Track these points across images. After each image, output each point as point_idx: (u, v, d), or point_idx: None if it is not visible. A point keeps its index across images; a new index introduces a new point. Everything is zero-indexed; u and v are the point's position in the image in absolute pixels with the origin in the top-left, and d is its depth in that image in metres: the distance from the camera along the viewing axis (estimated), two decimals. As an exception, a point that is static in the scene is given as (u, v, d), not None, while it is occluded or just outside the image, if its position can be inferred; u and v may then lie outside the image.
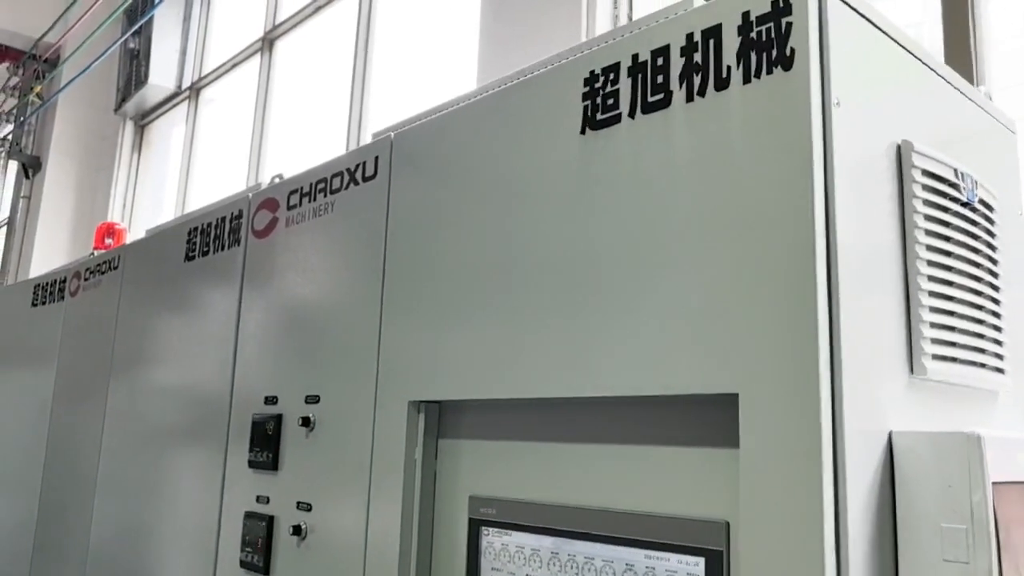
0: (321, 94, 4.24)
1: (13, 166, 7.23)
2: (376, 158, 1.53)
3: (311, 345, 1.60)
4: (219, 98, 4.86)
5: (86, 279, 2.68)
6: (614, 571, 1.07)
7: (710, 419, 1.00)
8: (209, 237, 2.02)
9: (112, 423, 2.32)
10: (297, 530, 1.52)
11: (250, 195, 1.91)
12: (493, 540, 1.23)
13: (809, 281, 0.88)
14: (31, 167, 5.44)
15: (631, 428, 1.10)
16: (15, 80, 5.76)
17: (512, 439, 1.25)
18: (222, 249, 1.96)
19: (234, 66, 4.59)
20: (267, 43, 4.29)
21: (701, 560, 0.98)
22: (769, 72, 0.95)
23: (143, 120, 5.28)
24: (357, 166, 1.57)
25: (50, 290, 2.93)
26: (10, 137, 5.39)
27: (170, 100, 5.02)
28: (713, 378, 0.95)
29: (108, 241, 3.13)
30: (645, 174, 1.07)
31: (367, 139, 1.94)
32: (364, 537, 1.38)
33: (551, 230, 1.18)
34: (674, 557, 1.01)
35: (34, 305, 3.02)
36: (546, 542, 1.16)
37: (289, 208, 1.75)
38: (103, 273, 2.57)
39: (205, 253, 2.03)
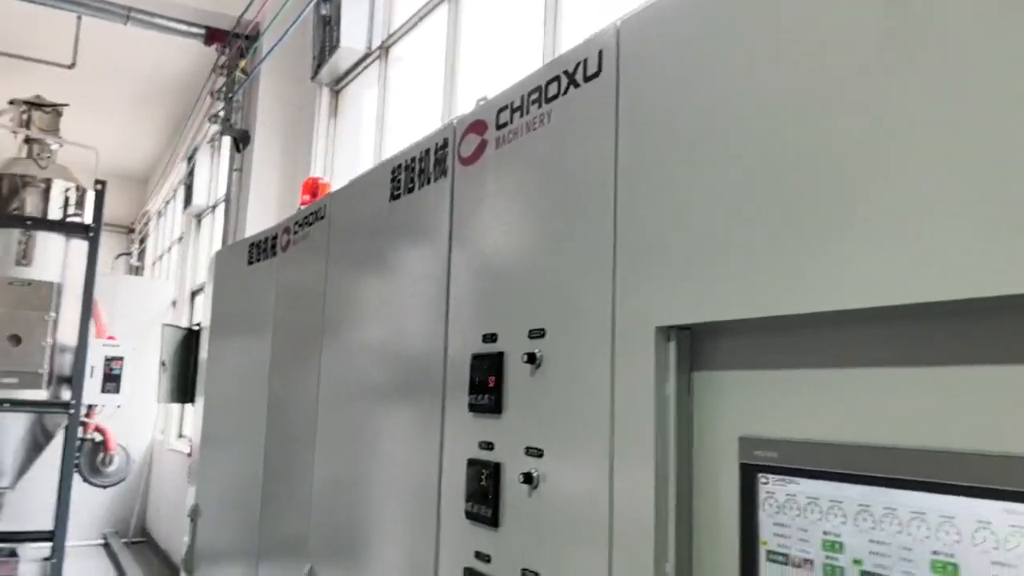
0: (511, 37, 4.09)
1: (227, 142, 7.72)
2: (600, 52, 1.32)
3: (532, 273, 1.43)
4: (408, 55, 4.85)
5: (295, 232, 2.68)
6: (958, 530, 0.82)
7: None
8: (413, 172, 1.90)
9: (327, 369, 2.30)
10: (528, 478, 1.36)
11: (455, 121, 1.77)
12: (774, 490, 1.00)
13: None
14: (241, 141, 5.74)
15: (963, 344, 0.84)
16: (223, 59, 6.10)
17: (793, 367, 1.01)
18: (428, 183, 1.84)
19: (421, 19, 4.54)
20: (452, -7, 4.21)
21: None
22: None
23: (337, 85, 5.40)
24: (577, 65, 1.37)
25: (263, 247, 2.99)
26: (222, 114, 5.71)
27: (361, 62, 5.09)
28: None
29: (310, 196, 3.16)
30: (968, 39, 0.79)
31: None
32: (608, 488, 1.20)
33: (841, 112, 0.92)
34: (1056, 514, 0.74)
35: (250, 263, 3.11)
36: (852, 492, 0.92)
37: (499, 127, 1.58)
38: (310, 224, 2.56)
39: (410, 189, 1.92)
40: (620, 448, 1.19)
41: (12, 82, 8.53)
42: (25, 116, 8.34)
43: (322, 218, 2.46)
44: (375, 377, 2.02)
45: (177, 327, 5.47)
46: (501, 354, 1.49)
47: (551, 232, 1.39)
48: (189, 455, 5.76)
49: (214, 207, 8.86)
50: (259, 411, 2.85)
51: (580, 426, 1.27)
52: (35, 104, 8.37)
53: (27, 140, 8.37)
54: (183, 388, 5.61)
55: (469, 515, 1.52)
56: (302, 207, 2.82)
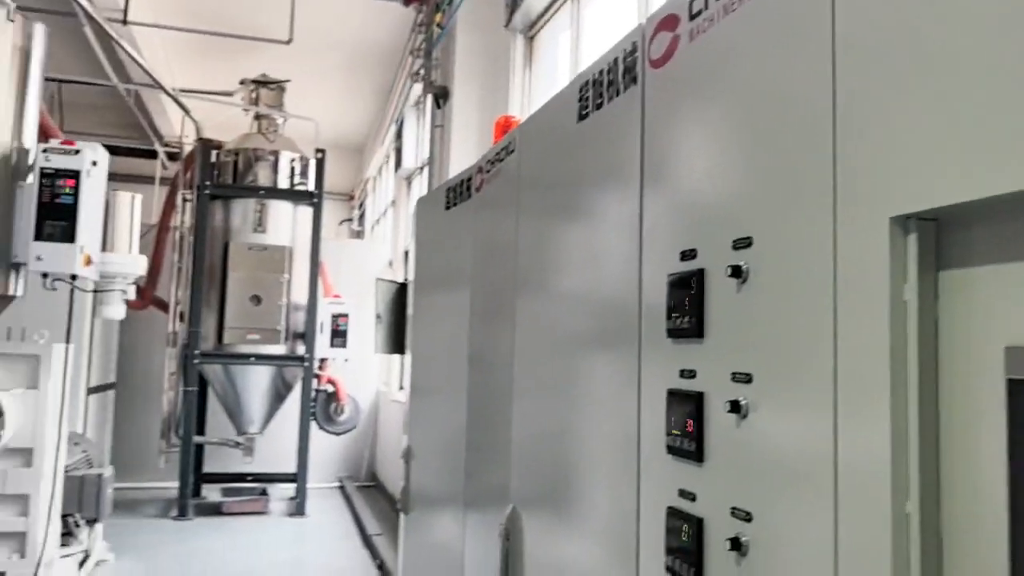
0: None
1: (430, 101, 7.93)
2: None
3: (733, 172, 1.25)
4: (602, -8, 4.67)
5: (487, 171, 2.64)
6: None
7: None
8: (601, 86, 1.76)
9: (522, 311, 2.24)
10: (735, 407, 1.20)
11: (643, 22, 1.60)
12: (1059, 411, 0.78)
13: None
14: (441, 97, 5.85)
15: None
16: (420, 17, 6.24)
17: (1085, 252, 0.78)
18: (616, 95, 1.69)
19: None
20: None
21: None
22: None
23: (530, 32, 5.33)
24: (781, -78, 1.16)
25: (459, 190, 2.98)
26: (422, 72, 5.85)
27: (553, 5, 4.98)
28: None
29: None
30: None
31: None
32: (832, 414, 1.02)
33: None
34: None
35: (447, 208, 3.12)
36: None
37: (692, 17, 1.40)
38: (501, 161, 2.49)
39: (599, 105, 1.78)
40: (846, 368, 1.00)
41: (238, 63, 9.27)
42: (253, 94, 9.08)
43: (512, 151, 2.39)
44: (569, 315, 1.92)
45: (389, 281, 5.72)
46: (701, 271, 1.33)
47: (754, 118, 1.21)
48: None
49: (421, 168, 9.19)
50: (461, 361, 2.86)
51: (796, 345, 1.09)
52: (261, 82, 9.07)
53: (256, 116, 9.11)
54: (397, 339, 5.88)
55: (672, 449, 1.38)
56: (490, 149, 2.77)
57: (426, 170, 8.81)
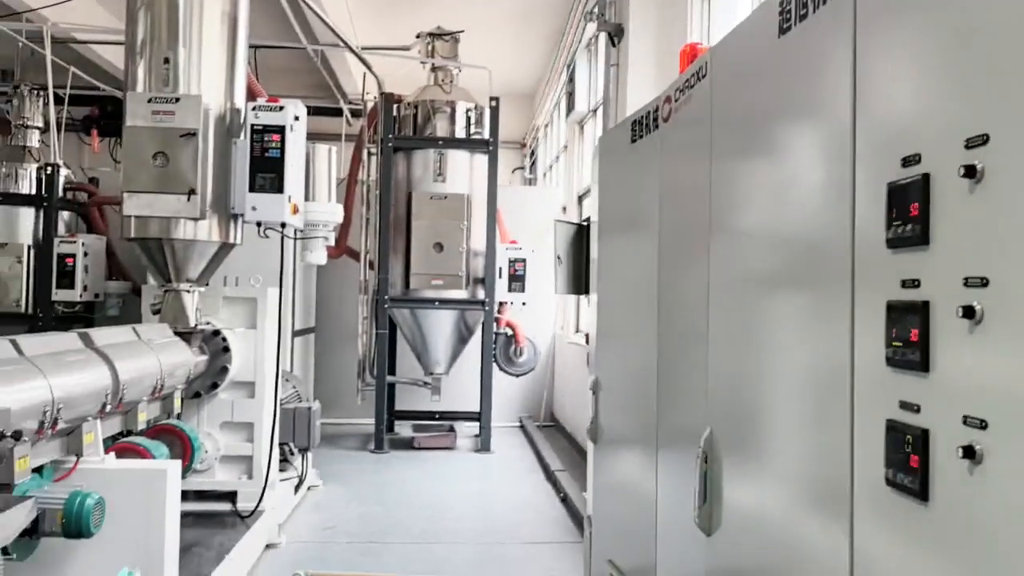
0: None
1: (603, 41, 7.84)
2: None
3: (971, 58, 1.19)
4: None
5: (676, 99, 2.61)
6: None
7: None
8: (806, -6, 1.69)
9: (719, 241, 2.22)
10: (968, 312, 1.16)
11: (855, -80, 1.52)
12: None
13: None
14: (616, 35, 5.78)
15: None
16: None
17: None
18: (823, 1, 1.62)
19: None
20: None
21: None
22: None
23: (711, -42, 5.13)
24: None
25: (645, 122, 2.97)
26: (596, 10, 5.79)
27: (734, -73, 4.76)
28: None
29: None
30: None
31: None
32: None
33: None
34: None
35: (633, 141, 3.11)
36: None
37: (915, -93, 1.32)
38: (691, 87, 2.46)
39: (803, 16, 1.71)
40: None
41: (415, 17, 9.54)
42: (429, 47, 9.35)
43: (703, 77, 2.34)
44: (770, 246, 1.89)
45: (568, 223, 5.79)
46: (926, 176, 1.27)
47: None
48: (587, 342, 6.17)
49: (594, 110, 9.14)
50: (649, 299, 2.85)
51: (1041, 243, 1.04)
52: (437, 35, 9.32)
53: (433, 68, 9.39)
54: (577, 280, 5.97)
55: (892, 362, 1.35)
56: (679, 77, 2.72)
57: (599, 113, 8.76)
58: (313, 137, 13.58)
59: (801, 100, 1.75)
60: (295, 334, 8.94)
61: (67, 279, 8.37)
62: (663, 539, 2.69)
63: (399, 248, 8.85)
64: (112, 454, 3.43)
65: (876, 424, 1.39)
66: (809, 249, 1.70)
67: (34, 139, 9.01)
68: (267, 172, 4.54)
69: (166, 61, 4.53)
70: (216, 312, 5.23)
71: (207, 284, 4.94)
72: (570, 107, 9.62)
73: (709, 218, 2.26)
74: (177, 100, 4.44)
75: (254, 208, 4.56)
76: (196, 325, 4.74)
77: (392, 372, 9.50)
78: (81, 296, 8.36)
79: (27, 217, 8.61)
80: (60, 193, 8.58)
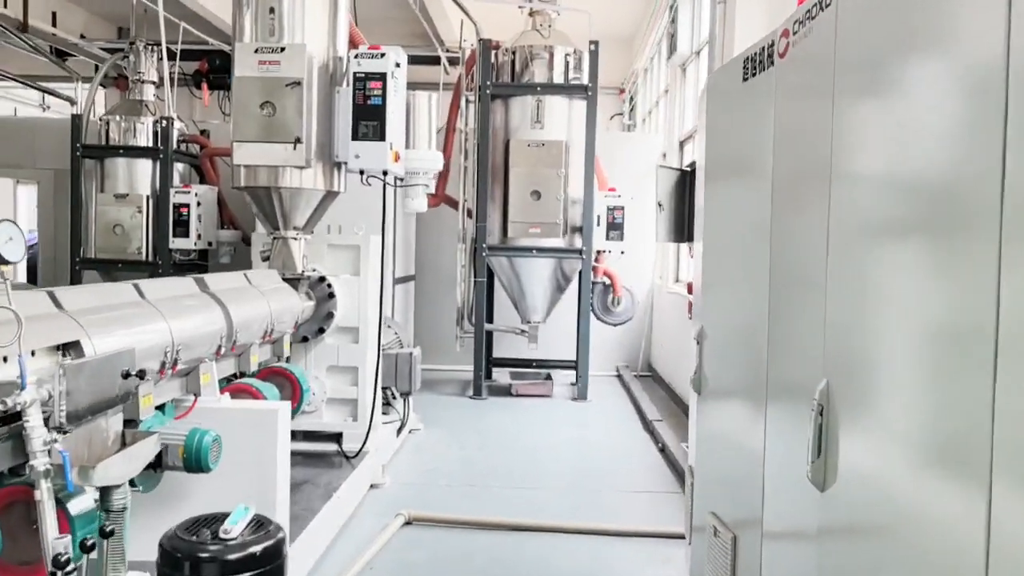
0: None
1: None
2: None
3: None
4: None
5: (795, 32, 2.45)
6: None
7: None
8: (953, -92, 1.53)
9: (843, 186, 2.09)
10: None
11: None
12: None
13: None
14: (723, -30, 5.50)
15: None
16: None
17: None
18: (975, -85, 1.47)
19: None
20: None
21: None
22: None
23: None
24: None
25: (759, 59, 2.81)
26: (702, -56, 5.51)
27: None
28: None
29: None
30: None
31: None
32: None
33: None
34: None
35: (745, 80, 2.96)
36: None
37: None
38: (813, 19, 2.30)
39: (948, -68, 1.56)
40: None
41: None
42: (528, -10, 9.18)
43: (827, 5, 2.19)
44: (902, 192, 1.76)
45: (671, 168, 5.63)
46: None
47: None
48: (691, 292, 6.05)
49: (698, 52, 8.81)
50: (759, 250, 2.74)
51: None
52: (535, -22, 9.14)
53: (531, 13, 9.23)
54: (679, 227, 5.83)
55: (1042, 313, 1.24)
56: (796, 10, 2.55)
57: (704, 55, 8.44)
58: (412, 86, 13.64)
59: (942, 27, 1.60)
60: (396, 282, 9.12)
61: (182, 228, 8.76)
62: (771, 493, 2.61)
63: (497, 197, 8.85)
64: (227, 394, 3.59)
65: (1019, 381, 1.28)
66: (947, 194, 1.57)
67: (149, 93, 9.37)
68: (369, 120, 4.57)
69: (271, 11, 4.59)
70: (321, 259, 5.36)
71: (313, 232, 5.05)
72: (672, 49, 9.30)
73: (831, 161, 2.13)
74: (283, 50, 4.50)
75: (357, 156, 4.61)
76: (303, 272, 4.87)
77: (490, 320, 9.59)
78: (195, 244, 8.74)
79: (145, 169, 9.03)
80: (175, 145, 8.94)
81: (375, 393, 5.31)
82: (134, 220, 8.90)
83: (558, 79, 8.87)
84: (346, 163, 4.70)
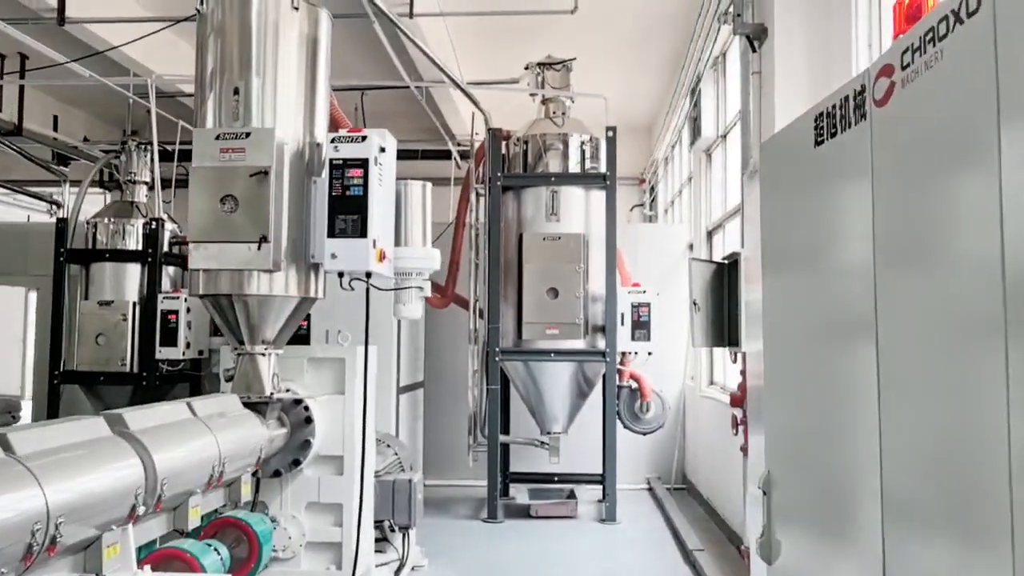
0: None
1: (734, 59, 6.91)
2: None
3: None
4: None
5: (905, 66, 1.69)
6: None
7: None
8: None
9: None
10: None
11: None
12: None
13: None
14: (756, 39, 4.86)
15: None
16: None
17: None
18: None
19: None
20: None
21: None
22: None
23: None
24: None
25: (839, 113, 2.05)
26: (731, 10, 4.91)
27: None
28: None
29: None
30: None
31: None
32: None
33: None
34: None
35: (818, 144, 2.20)
36: None
37: None
38: (943, 39, 1.54)
39: None
40: None
41: (523, 47, 8.90)
42: (539, 77, 8.66)
43: (971, 13, 1.43)
44: None
45: (707, 261, 4.86)
46: None
47: None
48: (735, 404, 5.20)
49: (724, 135, 8.17)
50: (851, 351, 1.96)
51: None
52: (547, 64, 8.62)
53: (543, 101, 8.69)
54: (719, 329, 5.01)
55: None
56: (902, 37, 1.80)
57: (731, 137, 7.81)
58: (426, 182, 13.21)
59: None
60: (401, 391, 8.29)
61: (170, 336, 8.08)
62: None
63: (510, 295, 8.10)
64: (148, 567, 2.74)
65: None
66: None
67: (141, 195, 8.87)
68: (348, 213, 3.86)
69: (235, 92, 3.96)
70: (300, 376, 4.58)
71: (284, 346, 4.29)
72: (695, 134, 8.69)
73: (992, 227, 1.34)
74: (247, 135, 3.85)
75: (334, 256, 3.89)
76: (272, 394, 4.08)
77: (505, 431, 8.70)
78: (184, 353, 8.03)
79: (134, 274, 8.41)
80: (165, 247, 8.35)
81: (361, 532, 4.42)
82: (119, 329, 8.23)
83: (574, 168, 8.25)
84: (322, 264, 3.97)
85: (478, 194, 8.50)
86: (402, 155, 7.55)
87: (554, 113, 8.53)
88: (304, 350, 4.69)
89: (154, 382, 8.06)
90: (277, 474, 4.40)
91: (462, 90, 7.99)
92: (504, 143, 8.41)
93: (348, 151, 3.90)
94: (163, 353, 8.04)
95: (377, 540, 5.51)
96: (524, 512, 8.08)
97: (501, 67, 9.12)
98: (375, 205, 3.89)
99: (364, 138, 3.91)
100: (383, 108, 10.62)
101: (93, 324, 8.19)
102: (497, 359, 7.96)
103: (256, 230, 3.79)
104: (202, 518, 3.48)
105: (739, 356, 5.10)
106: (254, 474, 4.20)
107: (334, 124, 4.46)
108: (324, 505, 4.66)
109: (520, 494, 8.56)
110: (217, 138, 3.87)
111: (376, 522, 5.40)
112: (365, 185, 3.86)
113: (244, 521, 3.54)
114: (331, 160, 3.91)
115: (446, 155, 11.70)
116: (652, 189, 13.27)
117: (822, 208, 2.21)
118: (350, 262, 3.89)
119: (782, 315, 2.59)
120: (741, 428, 4.93)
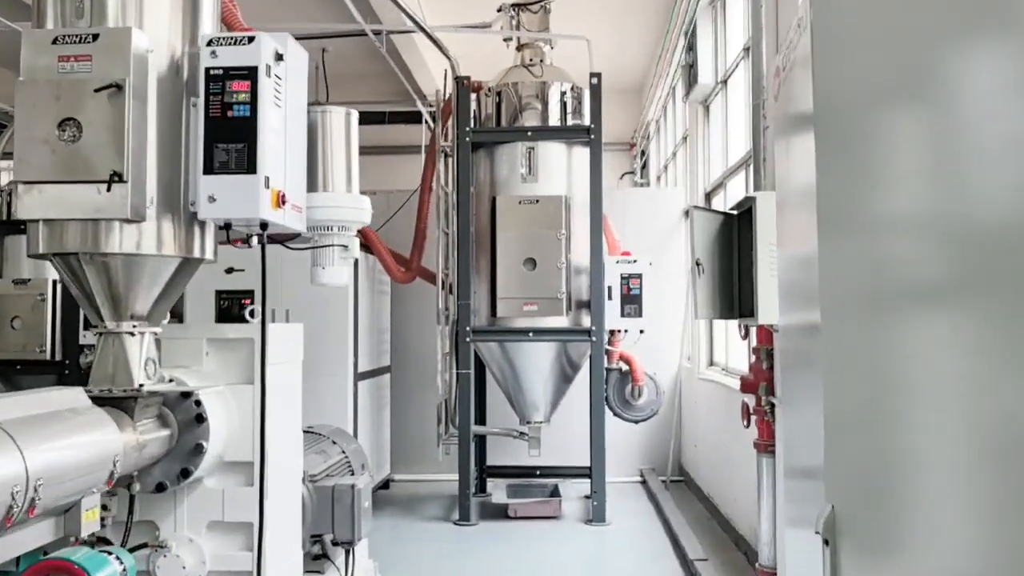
0: None
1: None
2: None
3: None
4: None
5: None
6: None
7: None
8: None
9: None
10: None
11: None
12: None
13: None
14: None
15: None
16: None
17: None
18: None
19: None
20: None
21: None
22: None
23: None
24: None
25: None
26: None
27: None
28: None
29: None
30: None
31: None
32: None
33: None
34: None
35: None
36: None
37: None
38: None
39: None
40: None
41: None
42: (514, 21, 7.64)
43: None
44: None
45: (712, 211, 3.87)
46: None
47: None
48: (748, 390, 4.24)
49: (724, 80, 7.18)
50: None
51: None
52: (522, 5, 7.59)
53: (519, 47, 7.68)
54: (727, 297, 4.04)
55: None
56: None
57: (734, 80, 6.83)
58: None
59: None
60: (360, 377, 7.33)
61: (97, 318, 7.09)
62: None
63: (483, 267, 7.12)
64: None
65: None
66: None
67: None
68: (230, 141, 2.86)
69: (81, -20, 2.94)
70: (199, 362, 3.58)
71: (162, 322, 3.30)
72: (691, 84, 7.69)
73: None
74: (95, 37, 2.84)
75: (212, 198, 2.88)
76: (141, 386, 3.09)
77: (481, 421, 7.75)
78: (113, 337, 7.04)
79: (57, 248, 7.44)
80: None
81: (259, 559, 3.46)
82: (36, 311, 7.24)
83: (554, 121, 7.25)
84: (196, 208, 2.96)
85: (446, 155, 7.48)
86: (368, 118, 6.58)
87: (531, 61, 7.52)
88: (203, 328, 3.70)
89: (78, 370, 7.07)
90: (161, 488, 3.41)
91: (425, 32, 6.97)
92: (475, 95, 7.40)
93: (230, 57, 2.88)
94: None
95: (316, 558, 4.56)
96: (501, 512, 7.13)
97: (473, 15, 8.09)
98: (268, 131, 2.89)
99: (252, 39, 2.89)
100: (348, 68, 9.58)
101: (7, 306, 7.16)
102: (468, 340, 6.99)
103: (106, 165, 2.79)
104: (18, 560, 2.51)
105: (751, 331, 4.14)
106: (128, 487, 3.23)
107: (227, 28, 3.45)
108: (231, 524, 3.67)
109: (498, 491, 7.61)
110: (54, 42, 2.86)
111: (313, 537, 4.46)
112: (253, 103, 2.86)
113: (76, 564, 2.56)
114: (208, 70, 2.89)
115: (416, 118, 10.69)
116: (643, 154, 12.28)
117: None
118: (234, 207, 2.89)
119: (857, 284, 1.61)
120: (755, 419, 3.97)
